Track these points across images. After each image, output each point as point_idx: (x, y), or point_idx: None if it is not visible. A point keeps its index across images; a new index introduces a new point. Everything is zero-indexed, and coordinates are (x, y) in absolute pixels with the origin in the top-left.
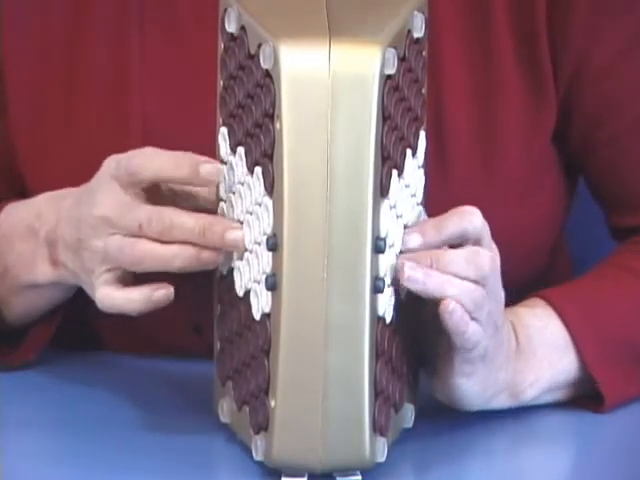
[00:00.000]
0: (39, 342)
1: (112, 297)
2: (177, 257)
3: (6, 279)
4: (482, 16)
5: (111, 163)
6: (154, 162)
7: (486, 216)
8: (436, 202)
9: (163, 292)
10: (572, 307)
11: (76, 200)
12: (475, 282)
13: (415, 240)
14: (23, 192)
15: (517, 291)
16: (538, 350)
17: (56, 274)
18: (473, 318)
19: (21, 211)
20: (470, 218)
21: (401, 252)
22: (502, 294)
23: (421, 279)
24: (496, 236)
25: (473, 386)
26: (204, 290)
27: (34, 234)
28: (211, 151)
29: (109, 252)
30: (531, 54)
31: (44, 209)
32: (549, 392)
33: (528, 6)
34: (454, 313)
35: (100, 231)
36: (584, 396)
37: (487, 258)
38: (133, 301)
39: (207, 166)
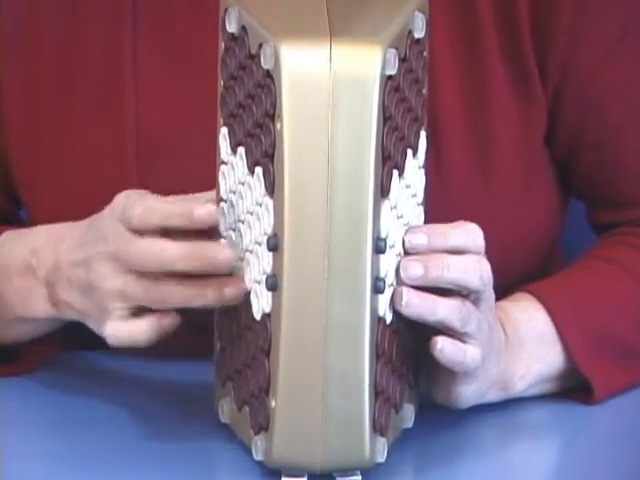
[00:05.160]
0: (36, 359)
1: (120, 330)
2: (198, 296)
3: (1, 309)
4: (469, 19)
5: (119, 205)
6: (154, 215)
7: (483, 217)
8: (433, 204)
9: (168, 319)
10: (558, 300)
11: (79, 241)
12: (475, 290)
13: (421, 239)
14: (19, 200)
15: (507, 292)
16: (526, 343)
17: (56, 312)
18: (463, 333)
19: (16, 245)
20: (474, 237)
21: (404, 250)
22: (493, 299)
23: (417, 303)
24: (493, 237)
25: (472, 389)
26: None
27: (31, 271)
28: (205, 154)
29: (126, 291)
30: (516, 55)
31: (40, 247)
32: (538, 384)
33: (511, 9)
34: (444, 351)
35: (113, 269)
36: (574, 389)
37: (489, 267)
38: (142, 332)
39: (199, 212)
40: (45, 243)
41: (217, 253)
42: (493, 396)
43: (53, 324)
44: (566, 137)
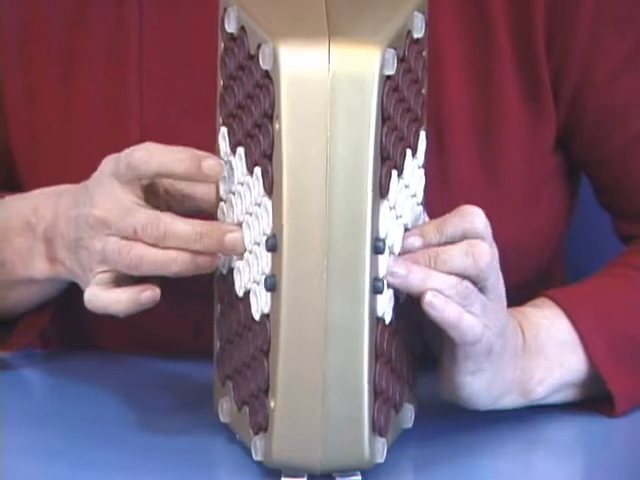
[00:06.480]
0: (31, 331)
1: (98, 297)
2: (174, 262)
3: (2, 273)
4: (481, 21)
5: (110, 161)
6: (156, 156)
7: (487, 219)
8: (437, 205)
9: (149, 293)
10: (580, 306)
11: (74, 199)
12: (475, 276)
13: (415, 242)
14: (21, 186)
15: (514, 291)
16: (546, 348)
17: (53, 271)
18: (467, 312)
19: (18, 205)
20: (471, 218)
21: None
22: (503, 291)
23: (403, 274)
24: (497, 240)
25: (479, 385)
26: (203, 289)
27: (31, 229)
28: (208, 151)
29: (107, 254)
30: (528, 61)
31: (41, 205)
32: (559, 391)
33: (526, 16)
34: (434, 305)
35: (98, 232)
36: (594, 399)
37: (485, 249)
38: (119, 302)
39: (209, 161)
40: (46, 200)
41: (226, 233)
42: (512, 402)
43: (51, 289)
44: (585, 147)
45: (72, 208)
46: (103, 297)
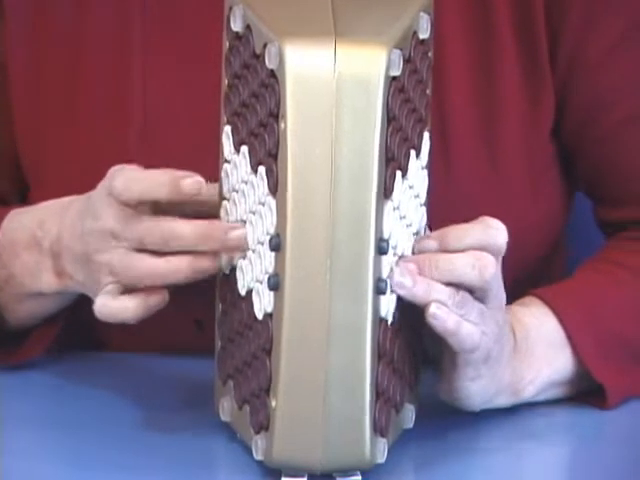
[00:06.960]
0: (43, 340)
1: (107, 306)
2: (178, 271)
3: (10, 287)
4: (483, 12)
5: (107, 179)
6: (136, 185)
7: (490, 214)
8: (440, 201)
9: (157, 297)
10: (567, 304)
11: (78, 212)
12: (479, 287)
13: (433, 246)
14: (27, 191)
15: (514, 287)
16: (535, 348)
17: (61, 284)
18: (466, 320)
19: (24, 219)
20: (494, 233)
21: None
22: (504, 298)
23: (409, 285)
24: None
25: (477, 389)
26: (205, 285)
27: (37, 244)
28: (210, 148)
29: (115, 266)
30: (530, 48)
31: (46, 218)
32: (548, 389)
33: (527, 7)
34: (437, 317)
35: (105, 244)
36: (586, 394)
37: (491, 262)
38: (127, 309)
39: (187, 180)
40: (52, 214)
41: (228, 232)
42: (503, 401)
43: (60, 301)
44: (572, 131)
45: (78, 221)
46: (112, 306)
